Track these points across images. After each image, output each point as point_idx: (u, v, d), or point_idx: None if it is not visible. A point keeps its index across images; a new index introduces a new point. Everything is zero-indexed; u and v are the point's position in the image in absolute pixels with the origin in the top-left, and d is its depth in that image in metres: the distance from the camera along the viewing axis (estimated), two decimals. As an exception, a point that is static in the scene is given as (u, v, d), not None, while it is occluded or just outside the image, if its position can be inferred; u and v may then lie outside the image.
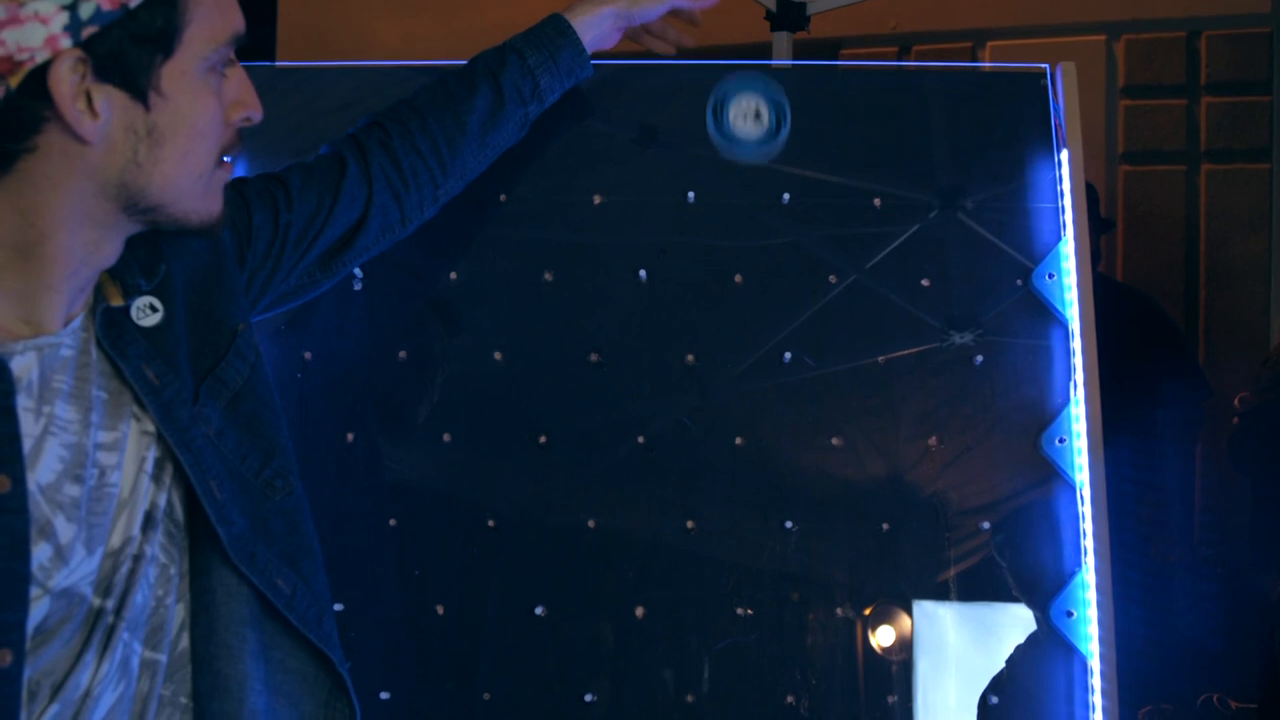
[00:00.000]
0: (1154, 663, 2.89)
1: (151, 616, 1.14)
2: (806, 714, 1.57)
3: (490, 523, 1.66)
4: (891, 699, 1.57)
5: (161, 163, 1.08)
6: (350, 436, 1.67)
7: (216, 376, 1.23)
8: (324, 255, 1.46)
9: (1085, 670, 1.56)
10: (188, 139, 1.09)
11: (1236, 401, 2.95)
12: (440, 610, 1.64)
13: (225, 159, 1.17)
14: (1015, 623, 1.58)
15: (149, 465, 1.14)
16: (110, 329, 1.14)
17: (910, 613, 1.59)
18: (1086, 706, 1.55)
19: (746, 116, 1.71)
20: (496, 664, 1.62)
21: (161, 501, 1.15)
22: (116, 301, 1.16)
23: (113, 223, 1.11)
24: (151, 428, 1.15)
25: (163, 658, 1.15)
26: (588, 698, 1.60)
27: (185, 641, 1.18)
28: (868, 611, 1.60)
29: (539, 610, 1.61)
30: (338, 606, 1.60)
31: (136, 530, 1.12)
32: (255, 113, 1.17)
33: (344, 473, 1.67)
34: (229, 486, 1.19)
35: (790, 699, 1.58)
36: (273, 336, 1.67)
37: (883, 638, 1.59)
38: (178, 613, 1.17)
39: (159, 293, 1.20)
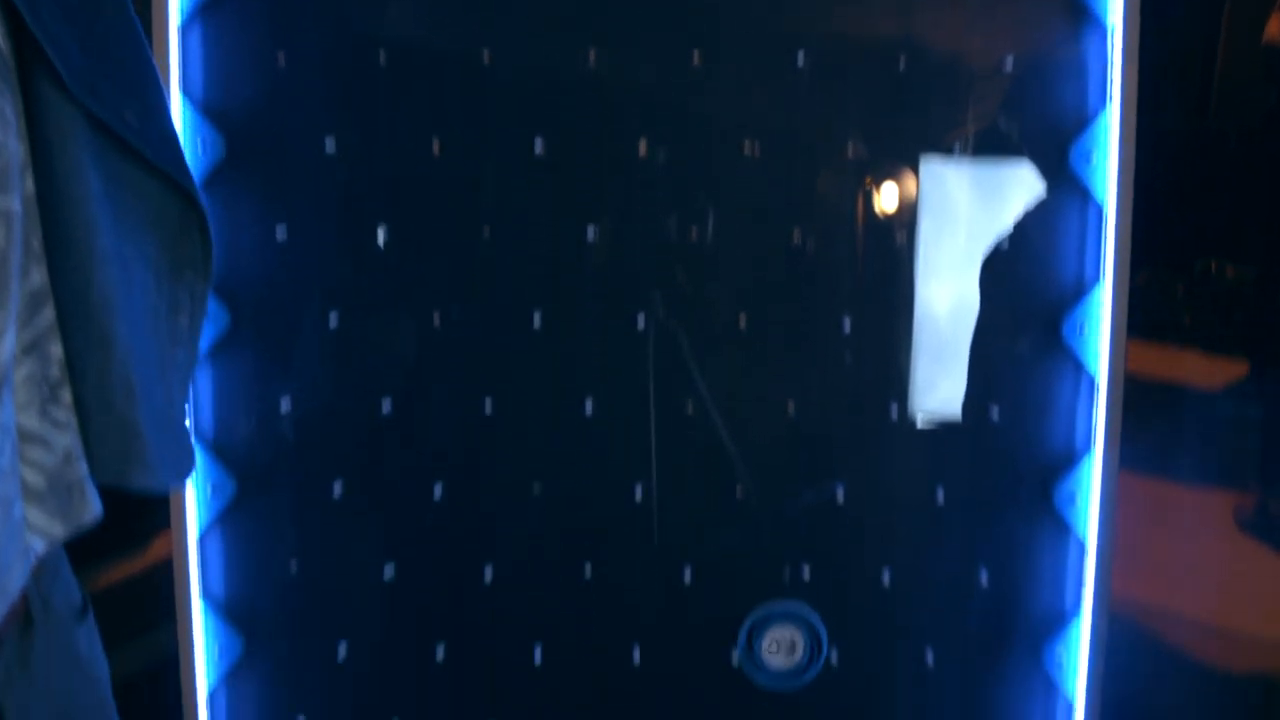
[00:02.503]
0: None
1: None
2: (812, 255, 1.54)
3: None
4: (899, 238, 1.54)
5: None
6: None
7: None
8: None
9: (1100, 218, 1.53)
10: None
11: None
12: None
13: None
14: (1023, 180, 1.52)
15: None
16: None
17: (917, 172, 1.53)
18: (1098, 258, 1.53)
19: (780, 647, 1.58)
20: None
21: None
22: None
23: None
24: None
25: (15, 205, 1.06)
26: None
27: (31, 184, 1.09)
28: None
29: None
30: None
31: None
32: None
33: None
34: (57, 12, 1.05)
35: (796, 239, 1.54)
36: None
37: (887, 198, 1.54)
38: (19, 153, 1.07)
39: None
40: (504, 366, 1.55)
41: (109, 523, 2.04)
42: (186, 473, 1.20)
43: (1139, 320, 1.60)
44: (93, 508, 1.08)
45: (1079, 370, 1.55)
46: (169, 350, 1.20)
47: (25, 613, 1.10)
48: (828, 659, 1.60)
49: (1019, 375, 1.56)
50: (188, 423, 1.28)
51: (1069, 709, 1.60)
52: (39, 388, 1.06)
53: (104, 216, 1.10)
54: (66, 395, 1.08)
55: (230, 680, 1.61)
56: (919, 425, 1.56)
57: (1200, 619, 1.88)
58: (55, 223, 1.09)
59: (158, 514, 1.67)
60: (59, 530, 1.06)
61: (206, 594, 1.59)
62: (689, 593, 1.56)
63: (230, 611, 1.60)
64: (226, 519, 1.57)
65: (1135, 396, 1.59)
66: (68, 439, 1.07)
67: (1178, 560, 2.01)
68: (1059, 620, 1.59)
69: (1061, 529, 1.56)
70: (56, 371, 1.08)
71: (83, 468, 1.08)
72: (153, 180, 1.14)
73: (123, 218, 1.13)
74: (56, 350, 1.08)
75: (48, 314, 1.08)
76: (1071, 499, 1.56)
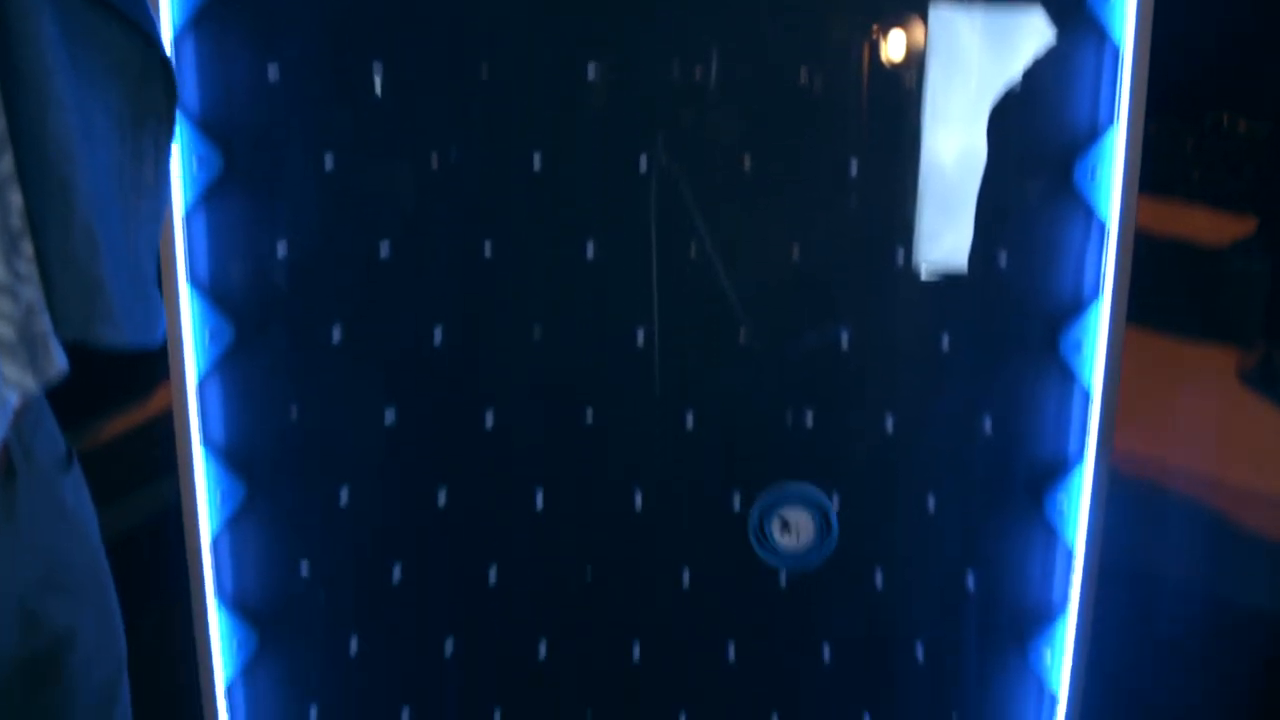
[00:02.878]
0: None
1: None
2: (819, 95, 1.50)
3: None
4: (908, 81, 1.50)
5: None
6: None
7: None
8: None
9: (1116, 61, 1.49)
10: None
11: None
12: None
13: None
14: (1033, 27, 1.48)
15: None
16: None
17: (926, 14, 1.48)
18: (1113, 102, 1.49)
19: (789, 529, 1.58)
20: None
21: None
22: None
23: None
24: None
25: None
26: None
27: None
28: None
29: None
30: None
31: None
32: None
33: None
34: None
35: (803, 79, 1.50)
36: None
37: (896, 39, 1.49)
38: None
39: None
40: (504, 209, 1.52)
41: (110, 375, 2.04)
42: (155, 331, 1.17)
43: (1147, 173, 1.57)
44: (57, 362, 1.06)
45: (1089, 216, 1.52)
46: (133, 202, 1.16)
47: (7, 464, 1.08)
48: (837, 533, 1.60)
49: (1027, 221, 1.53)
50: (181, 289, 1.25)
51: (1068, 555, 1.61)
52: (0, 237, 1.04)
53: (61, 62, 1.06)
54: (28, 247, 1.05)
55: (233, 526, 1.61)
56: (924, 271, 1.54)
57: (1201, 473, 1.88)
58: (9, 68, 1.04)
59: (158, 365, 1.65)
60: (31, 383, 1.04)
61: (207, 441, 1.59)
62: (690, 438, 1.56)
63: (231, 458, 1.60)
64: (225, 365, 1.56)
65: (1140, 250, 1.57)
66: (30, 292, 1.05)
67: (1180, 414, 2.00)
68: (1061, 468, 1.59)
69: (1066, 376, 1.55)
70: (17, 221, 1.05)
71: (46, 321, 1.05)
72: (113, 26, 1.09)
73: (82, 64, 1.08)
74: (16, 199, 1.05)
75: (6, 161, 1.05)
76: (1077, 347, 1.55)
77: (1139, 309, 1.59)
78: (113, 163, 1.14)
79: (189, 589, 1.63)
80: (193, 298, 1.53)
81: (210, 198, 1.51)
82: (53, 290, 1.05)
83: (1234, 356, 2.16)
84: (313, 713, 1.69)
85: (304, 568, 1.63)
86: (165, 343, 1.47)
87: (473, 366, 1.55)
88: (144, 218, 1.18)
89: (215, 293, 1.54)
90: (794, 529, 1.59)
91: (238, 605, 1.65)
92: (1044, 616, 1.64)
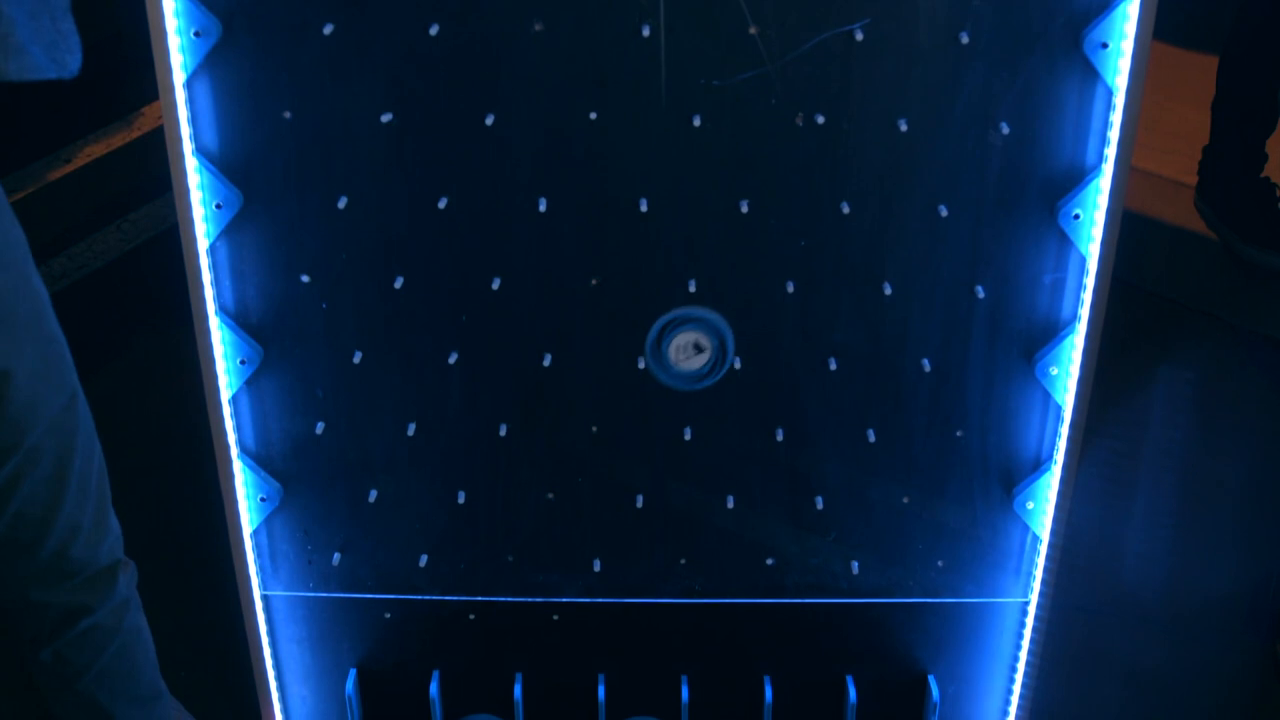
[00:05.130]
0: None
1: None
2: None
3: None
4: None
5: None
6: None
7: None
8: None
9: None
10: None
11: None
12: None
13: None
14: None
15: None
16: None
17: None
18: None
19: (685, 350, 1.61)
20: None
21: None
22: None
23: None
24: None
25: None
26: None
27: None
28: None
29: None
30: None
31: None
32: None
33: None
34: None
35: None
36: None
37: None
38: None
39: None
40: None
41: (95, 98, 1.97)
42: (70, 63, 1.10)
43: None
44: None
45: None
46: None
47: None
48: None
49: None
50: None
51: (1082, 262, 1.58)
52: None
53: None
54: None
55: (229, 235, 1.58)
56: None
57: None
58: None
59: (146, 86, 1.59)
60: None
61: (200, 149, 1.54)
62: (697, 135, 1.51)
63: (225, 165, 1.55)
64: (212, 63, 1.50)
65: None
66: None
67: (1194, 131, 1.96)
68: (1079, 177, 1.55)
69: (1090, 75, 1.49)
70: None
71: None
72: None
73: None
74: None
75: None
76: (1102, 44, 1.48)
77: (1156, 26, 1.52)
78: None
79: (189, 303, 1.61)
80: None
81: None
82: None
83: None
84: (319, 428, 1.70)
85: (304, 278, 1.61)
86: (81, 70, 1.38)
87: (474, 58, 1.49)
88: None
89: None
90: (701, 350, 1.63)
91: (239, 318, 1.63)
92: (1052, 330, 1.63)
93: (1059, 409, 1.67)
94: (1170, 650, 1.98)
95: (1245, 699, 1.92)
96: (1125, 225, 1.55)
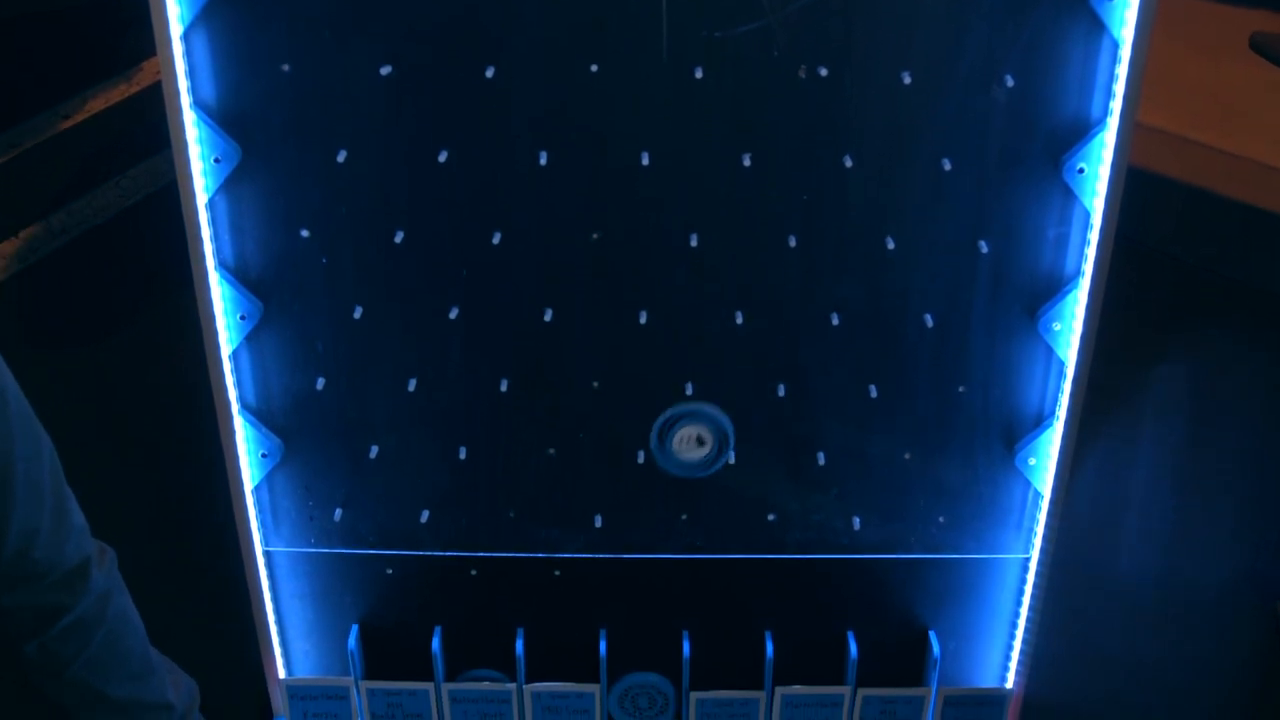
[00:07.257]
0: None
1: None
2: None
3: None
4: None
5: None
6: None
7: None
8: None
9: None
10: None
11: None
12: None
13: None
14: None
15: None
16: None
17: None
18: None
19: (689, 442, 1.69)
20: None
21: None
22: None
23: None
24: None
25: None
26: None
27: None
28: None
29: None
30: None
31: None
32: None
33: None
34: None
35: None
36: None
37: None
38: None
39: None
40: None
41: (94, 51, 1.95)
42: None
43: None
44: None
45: None
46: None
47: None
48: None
49: None
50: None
51: (1085, 217, 1.57)
52: None
53: None
54: None
55: (227, 189, 1.58)
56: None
57: (1205, 140, 1.82)
58: None
59: (144, 42, 1.57)
60: None
61: (198, 102, 1.53)
62: (698, 87, 1.50)
63: (223, 119, 1.54)
64: (209, 16, 1.48)
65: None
66: None
67: (1191, 80, 1.93)
68: (1083, 131, 1.53)
69: (1096, 26, 1.47)
70: None
71: None
72: None
73: None
74: None
75: None
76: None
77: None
78: None
79: (189, 258, 1.61)
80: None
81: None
82: None
83: (1251, 20, 2.06)
84: (320, 384, 1.70)
85: (303, 233, 1.60)
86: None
87: (472, 10, 1.48)
88: None
89: None
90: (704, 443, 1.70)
91: (238, 273, 1.63)
92: (1056, 285, 1.62)
93: (1061, 365, 1.66)
94: (1170, 609, 1.98)
95: (1245, 653, 1.93)
96: (1131, 181, 1.54)
